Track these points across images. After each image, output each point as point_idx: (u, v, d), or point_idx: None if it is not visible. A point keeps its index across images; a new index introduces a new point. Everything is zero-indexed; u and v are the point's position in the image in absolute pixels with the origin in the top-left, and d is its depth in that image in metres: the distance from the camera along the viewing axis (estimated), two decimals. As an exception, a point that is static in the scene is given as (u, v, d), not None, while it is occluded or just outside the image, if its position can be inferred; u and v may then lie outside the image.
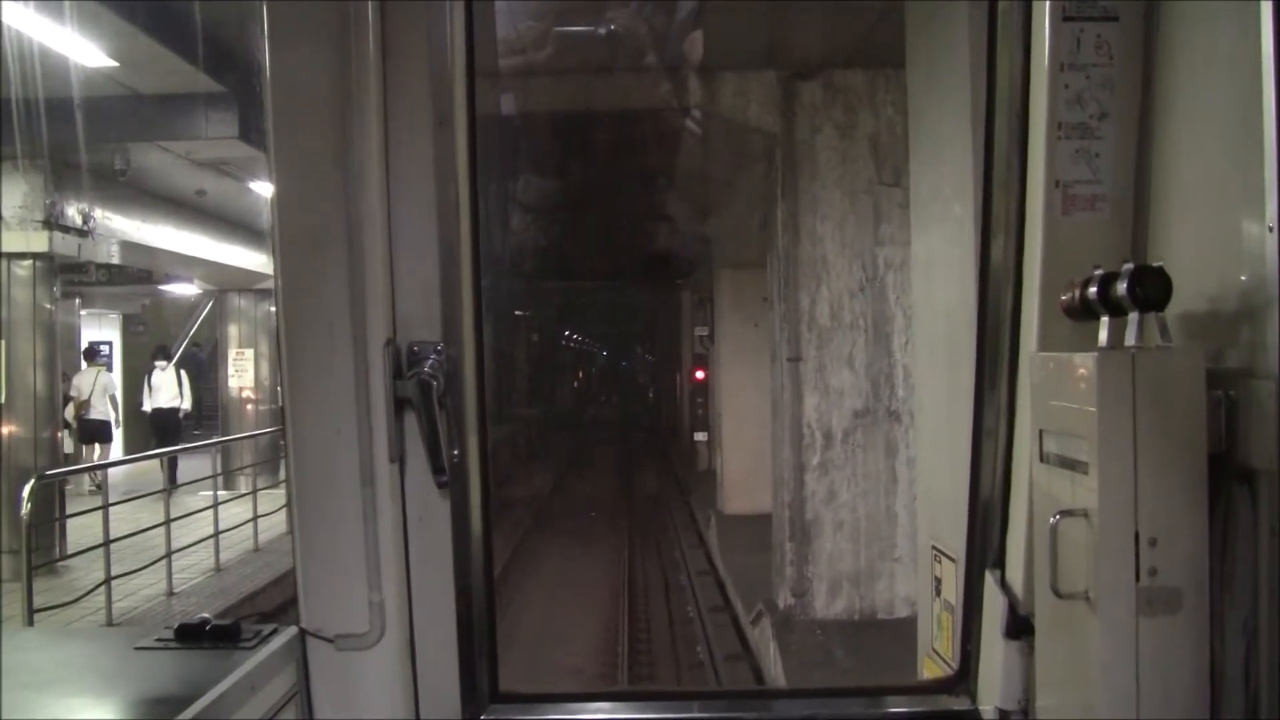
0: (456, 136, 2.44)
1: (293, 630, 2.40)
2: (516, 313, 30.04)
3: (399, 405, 2.38)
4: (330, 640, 2.41)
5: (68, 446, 16.20)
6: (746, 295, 17.67)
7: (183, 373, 18.78)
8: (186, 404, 18.72)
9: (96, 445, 17.56)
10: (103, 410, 17.49)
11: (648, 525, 20.10)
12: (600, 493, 24.56)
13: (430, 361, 2.39)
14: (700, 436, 22.81)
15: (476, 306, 2.50)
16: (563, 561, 16.73)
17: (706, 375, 22.08)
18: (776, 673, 9.75)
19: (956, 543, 2.86)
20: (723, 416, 18.88)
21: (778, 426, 11.18)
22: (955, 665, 2.77)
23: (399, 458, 2.41)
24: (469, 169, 2.47)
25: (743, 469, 16.98)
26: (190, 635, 2.32)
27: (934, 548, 3.13)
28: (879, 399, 10.53)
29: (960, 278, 2.94)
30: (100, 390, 17.47)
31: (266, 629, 2.37)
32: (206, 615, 2.39)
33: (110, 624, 9.65)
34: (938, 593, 3.09)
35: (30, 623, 8.66)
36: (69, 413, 16.53)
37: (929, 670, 3.12)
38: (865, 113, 10.45)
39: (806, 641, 10.07)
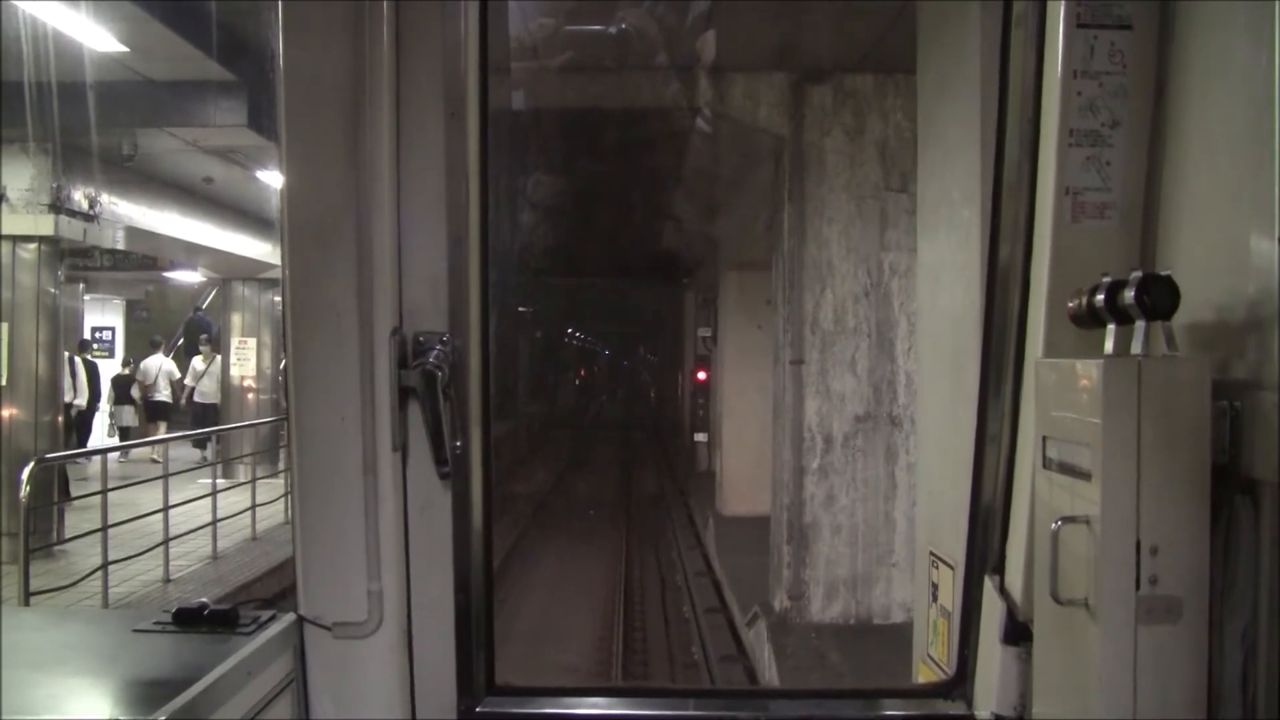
0: (468, 129, 2.44)
1: (291, 617, 2.40)
2: (519, 309, 30.03)
3: (403, 395, 2.39)
4: (328, 628, 2.41)
5: (134, 420, 19.58)
6: (750, 297, 17.64)
7: (79, 361, 17.17)
8: (82, 400, 17.01)
9: (161, 423, 19.49)
10: (166, 393, 19.66)
11: (646, 526, 20.08)
12: (599, 492, 24.53)
13: (436, 352, 2.40)
14: (700, 437, 22.77)
15: (483, 298, 2.51)
16: (559, 560, 16.72)
17: (708, 376, 22.05)
18: (771, 675, 9.75)
19: (955, 549, 2.86)
20: (723, 418, 18.85)
21: (778, 429, 11.17)
22: (950, 671, 2.77)
23: (402, 447, 2.41)
24: (479, 162, 2.47)
25: (742, 471, 16.96)
26: (188, 619, 2.32)
27: (932, 553, 3.12)
28: (880, 404, 10.52)
29: (966, 283, 2.93)
30: (164, 376, 19.66)
31: (264, 615, 2.38)
32: (205, 600, 2.39)
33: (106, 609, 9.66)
34: (934, 599, 3.09)
35: (26, 604, 8.67)
36: (136, 393, 19.48)
37: (924, 675, 3.11)
38: (874, 117, 10.44)
39: (801, 645, 10.06)
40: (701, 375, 22.63)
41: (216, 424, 17.92)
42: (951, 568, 2.92)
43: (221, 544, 12.54)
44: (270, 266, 18.58)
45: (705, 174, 14.94)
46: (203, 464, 15.37)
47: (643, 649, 12.67)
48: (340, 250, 2.33)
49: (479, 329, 2.50)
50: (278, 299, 19.65)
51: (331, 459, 2.38)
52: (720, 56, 10.31)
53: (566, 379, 54.22)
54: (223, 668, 2.04)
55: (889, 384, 10.50)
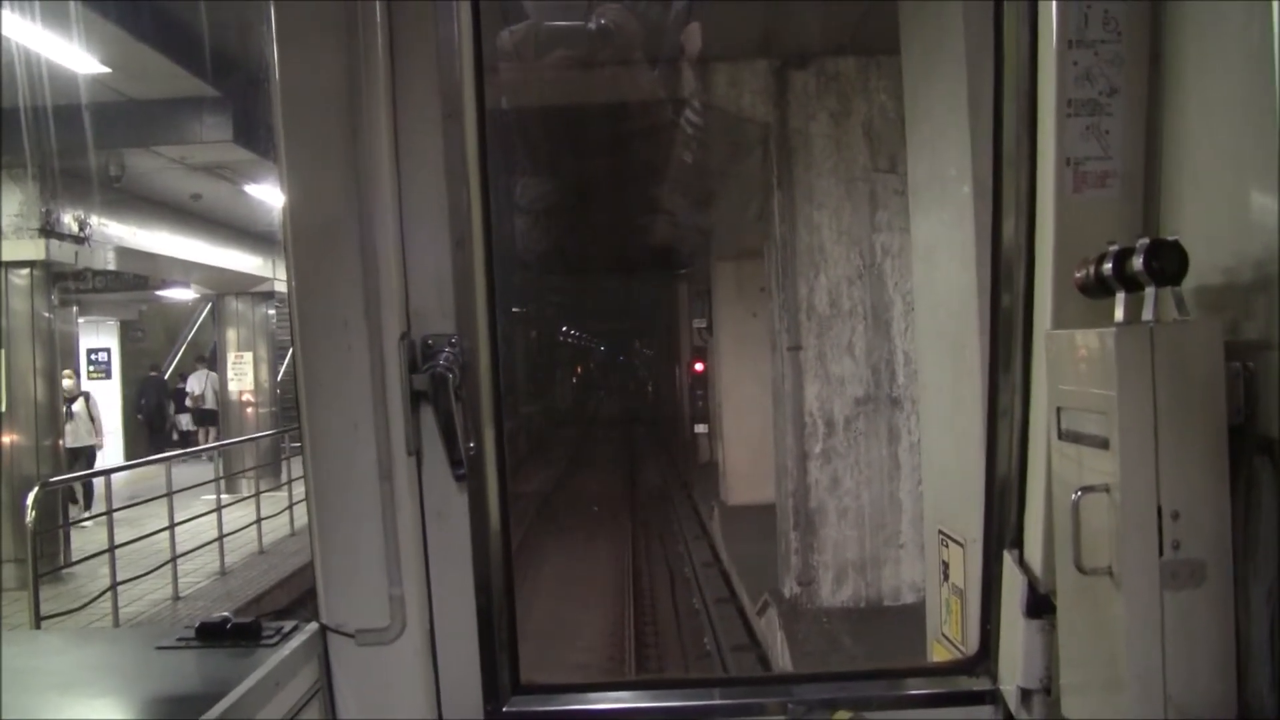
0: (466, 130, 2.43)
1: (313, 627, 2.40)
2: (513, 309, 30.02)
3: (415, 399, 2.38)
4: (351, 635, 2.41)
5: (189, 425, 22.31)
6: (744, 286, 17.69)
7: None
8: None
9: (211, 428, 21.69)
10: (212, 402, 21.90)
11: (651, 518, 20.11)
12: (602, 488, 24.58)
13: (445, 354, 2.39)
14: (701, 429, 22.77)
15: (490, 298, 2.50)
16: (567, 555, 16.75)
17: (706, 367, 22.05)
18: (785, 662, 9.76)
19: (964, 526, 2.86)
20: (723, 408, 18.88)
21: (779, 416, 11.18)
22: (965, 649, 2.77)
23: (416, 451, 2.41)
24: (479, 162, 2.47)
25: (744, 460, 16.98)
26: (211, 634, 2.32)
27: (941, 532, 3.12)
28: (880, 386, 10.54)
29: (963, 260, 2.92)
30: (210, 388, 21.92)
31: (287, 626, 2.38)
32: (227, 614, 2.39)
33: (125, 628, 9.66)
34: (946, 577, 3.08)
35: (37, 628, 8.67)
36: (189, 404, 22.32)
37: (938, 654, 3.11)
38: (859, 100, 10.45)
39: (814, 630, 10.08)
40: (699, 366, 22.63)
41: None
42: (961, 545, 2.91)
43: (229, 559, 12.54)
44: (263, 280, 18.56)
45: (694, 165, 14.92)
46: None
47: (655, 642, 12.70)
48: (344, 257, 2.32)
49: (487, 329, 2.49)
50: (272, 312, 19.68)
51: (346, 467, 2.37)
52: (702, 46, 10.29)
53: (564, 376, 54.19)
54: (250, 680, 2.04)
55: (887, 365, 10.51)
